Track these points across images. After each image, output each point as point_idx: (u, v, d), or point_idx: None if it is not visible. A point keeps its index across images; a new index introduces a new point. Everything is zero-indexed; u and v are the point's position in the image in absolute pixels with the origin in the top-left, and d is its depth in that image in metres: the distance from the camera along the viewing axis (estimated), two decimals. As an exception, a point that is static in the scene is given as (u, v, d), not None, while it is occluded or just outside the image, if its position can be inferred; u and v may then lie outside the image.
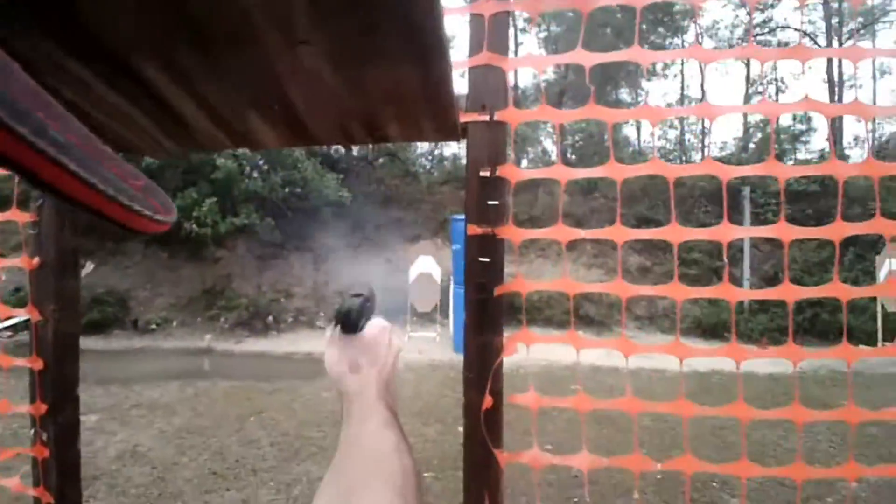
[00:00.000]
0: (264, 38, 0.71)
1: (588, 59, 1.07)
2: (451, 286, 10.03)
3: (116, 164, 0.35)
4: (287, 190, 12.42)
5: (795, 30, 18.69)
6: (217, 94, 0.91)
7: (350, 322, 0.68)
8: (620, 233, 1.07)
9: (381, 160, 16.38)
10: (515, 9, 1.07)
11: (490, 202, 1.08)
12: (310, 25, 0.68)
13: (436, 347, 9.42)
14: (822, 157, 15.71)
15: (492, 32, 1.06)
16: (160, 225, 0.38)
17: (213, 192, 11.53)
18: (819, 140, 17.71)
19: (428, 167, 18.07)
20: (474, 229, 1.08)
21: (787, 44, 18.53)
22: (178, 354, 9.51)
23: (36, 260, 1.28)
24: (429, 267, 9.58)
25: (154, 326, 10.94)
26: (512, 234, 1.09)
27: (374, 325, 0.70)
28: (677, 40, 20.83)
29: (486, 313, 1.10)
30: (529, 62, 1.16)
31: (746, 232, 1.08)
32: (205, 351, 9.81)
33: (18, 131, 0.25)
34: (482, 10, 1.06)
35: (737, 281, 11.75)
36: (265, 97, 0.91)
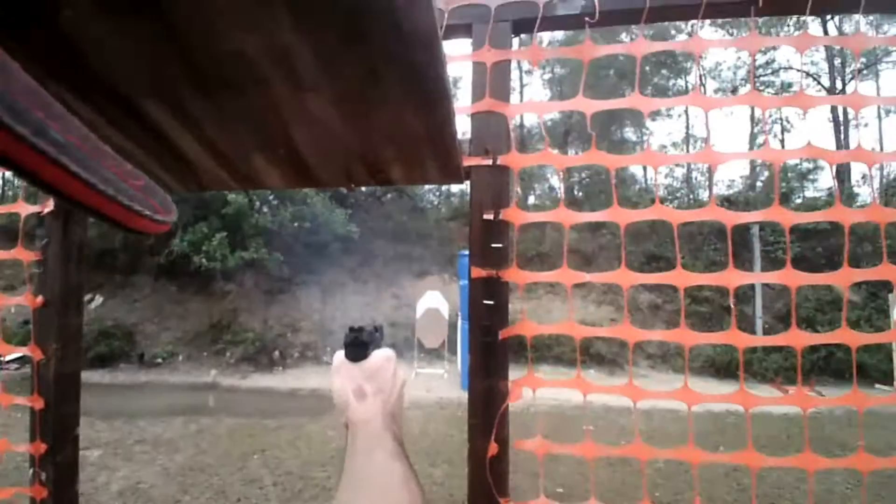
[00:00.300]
0: (271, 85, 0.73)
1: (589, 106, 1.08)
2: (459, 322, 9.93)
3: (116, 165, 0.35)
4: (296, 225, 12.55)
5: (798, 70, 19.01)
6: (223, 138, 0.92)
7: (356, 349, 0.68)
8: (626, 276, 1.06)
9: (389, 196, 16.58)
10: (516, 57, 1.09)
11: (494, 245, 1.08)
12: (315, 74, 0.70)
13: (444, 385, 9.26)
14: (831, 194, 15.70)
15: (494, 79, 1.08)
16: (160, 225, 0.38)
17: (223, 227, 11.68)
18: (827, 177, 17.75)
19: (436, 202, 18.25)
20: (478, 272, 1.08)
21: (790, 84, 18.81)
22: (183, 389, 9.45)
23: (39, 298, 1.29)
24: (436, 302, 9.53)
25: (160, 360, 10.91)
26: (516, 276, 1.08)
27: (380, 355, 0.69)
28: (681, 81, 21.24)
29: (492, 357, 1.08)
30: (531, 108, 1.18)
31: (753, 278, 1.06)
32: (210, 386, 9.73)
33: (19, 132, 0.25)
34: (484, 59, 1.08)
35: (749, 319, 11.57)
36: (271, 141, 0.93)
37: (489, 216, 1.07)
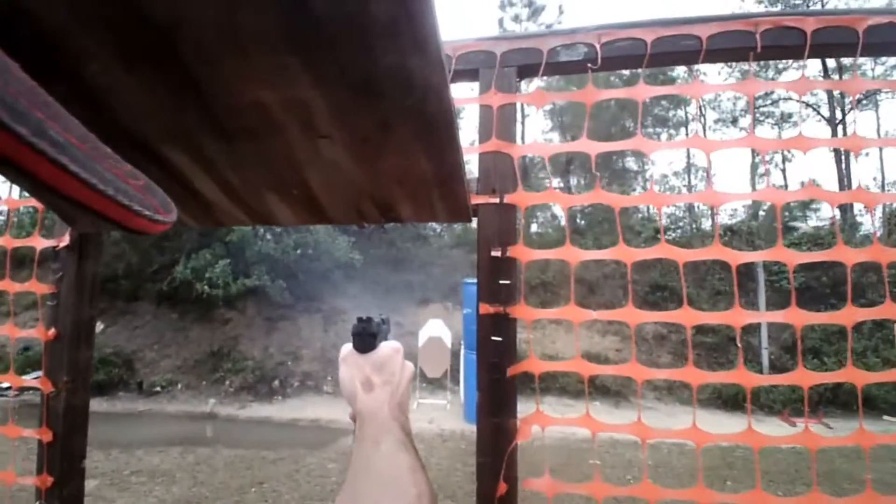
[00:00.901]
0: (286, 133, 0.76)
1: (593, 147, 1.12)
2: (462, 351, 9.83)
3: (116, 164, 0.34)
4: (299, 252, 12.58)
5: (797, 101, 19.33)
6: (240, 179, 0.95)
7: (364, 340, 0.68)
8: (633, 314, 1.07)
9: (392, 223, 16.67)
10: (522, 101, 1.14)
11: (502, 281, 1.09)
12: (329, 122, 0.73)
13: (446, 416, 9.11)
14: (833, 224, 15.74)
15: (500, 121, 1.12)
16: (160, 225, 0.37)
17: (226, 254, 11.72)
18: (828, 207, 17.78)
19: (438, 230, 18.34)
20: (486, 308, 1.09)
21: (790, 115, 19.10)
22: (181, 419, 9.33)
23: (52, 331, 1.30)
24: (439, 331, 9.45)
25: (159, 389, 10.79)
26: (524, 313, 1.09)
27: (388, 346, 0.70)
28: (680, 112, 21.61)
29: (500, 394, 1.08)
30: (537, 149, 1.21)
31: (758, 317, 1.07)
32: (208, 416, 9.60)
33: (18, 132, 0.25)
34: (491, 102, 1.12)
35: (755, 350, 11.45)
36: (285, 182, 0.96)
37: (497, 253, 1.09)
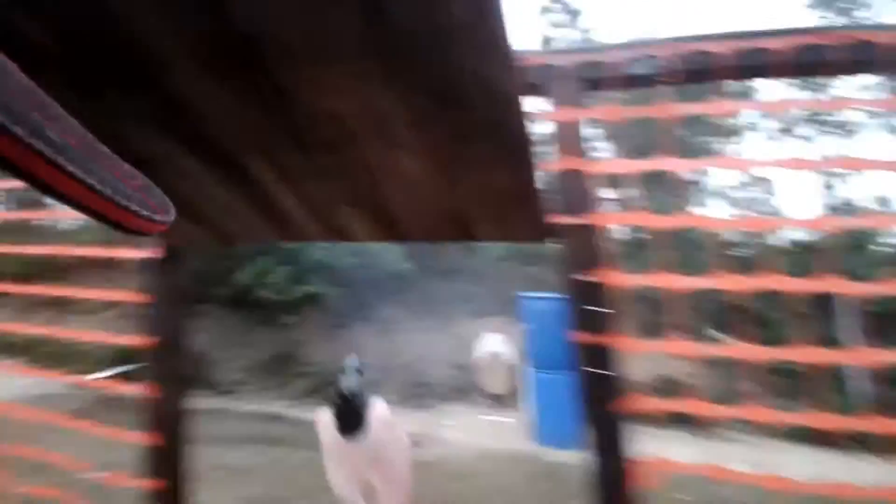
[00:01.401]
0: (365, 143, 0.77)
1: (674, 165, 1.08)
2: (529, 369, 9.44)
3: (114, 164, 0.34)
4: (353, 261, 12.72)
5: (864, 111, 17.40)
6: (317, 192, 0.96)
7: (351, 421, 0.56)
8: (745, 349, 1.02)
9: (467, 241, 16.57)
10: (595, 116, 1.12)
11: (593, 307, 1.07)
12: (408, 133, 0.74)
13: (514, 435, 8.61)
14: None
15: (572, 138, 1.10)
16: (157, 225, 0.37)
17: (284, 261, 12.04)
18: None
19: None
20: (585, 336, 1.06)
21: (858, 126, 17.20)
22: (251, 418, 9.46)
23: (152, 338, 1.38)
24: (498, 345, 9.19)
25: (229, 389, 11.17)
26: (623, 342, 1.05)
27: (379, 424, 0.58)
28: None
29: (607, 430, 1.05)
30: (612, 167, 1.18)
31: (839, 356, 0.97)
32: (276, 417, 9.79)
33: (16, 133, 0.25)
34: (566, 118, 1.10)
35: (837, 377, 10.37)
36: (361, 195, 0.96)
37: (584, 277, 1.07)
